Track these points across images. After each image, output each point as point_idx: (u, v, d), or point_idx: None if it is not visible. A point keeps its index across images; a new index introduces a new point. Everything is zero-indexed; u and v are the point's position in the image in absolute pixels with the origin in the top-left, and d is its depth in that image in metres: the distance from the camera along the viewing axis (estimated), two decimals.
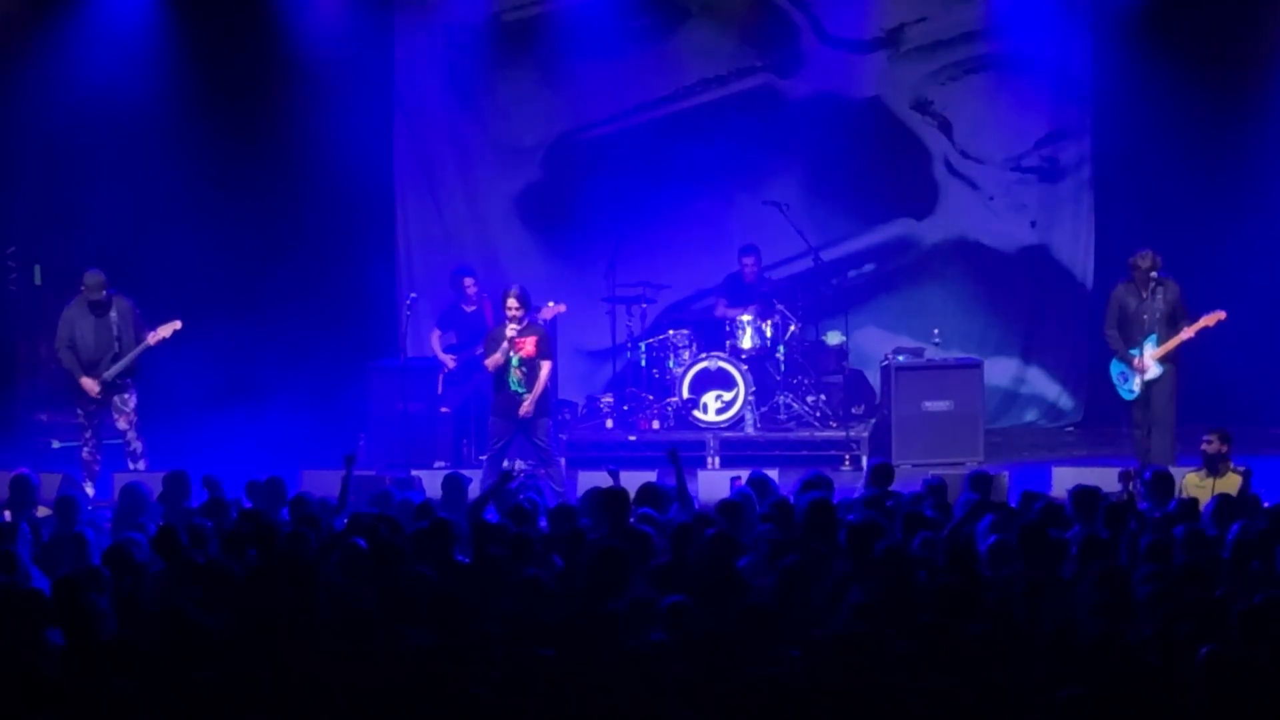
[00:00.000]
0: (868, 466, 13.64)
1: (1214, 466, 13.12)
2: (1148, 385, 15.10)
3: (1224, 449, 13.17)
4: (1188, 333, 15.06)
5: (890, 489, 12.12)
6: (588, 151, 19.21)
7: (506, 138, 19.32)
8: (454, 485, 12.64)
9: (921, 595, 9.04)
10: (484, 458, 15.32)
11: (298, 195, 18.53)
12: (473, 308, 17.13)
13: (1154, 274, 15.05)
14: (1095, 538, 10.20)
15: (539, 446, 14.98)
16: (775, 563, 9.64)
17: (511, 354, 14.77)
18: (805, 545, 10.01)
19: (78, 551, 10.73)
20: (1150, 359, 15.05)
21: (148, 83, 17.96)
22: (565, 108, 19.23)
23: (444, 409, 17.03)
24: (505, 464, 15.42)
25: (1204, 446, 13.24)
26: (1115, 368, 15.33)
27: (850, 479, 15.70)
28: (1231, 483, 12.76)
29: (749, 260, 17.87)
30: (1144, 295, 15.10)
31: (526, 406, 14.77)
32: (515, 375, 14.79)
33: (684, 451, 12.56)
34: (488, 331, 15.51)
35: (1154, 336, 15.05)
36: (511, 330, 14.73)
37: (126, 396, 15.64)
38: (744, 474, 13.03)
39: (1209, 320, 15.08)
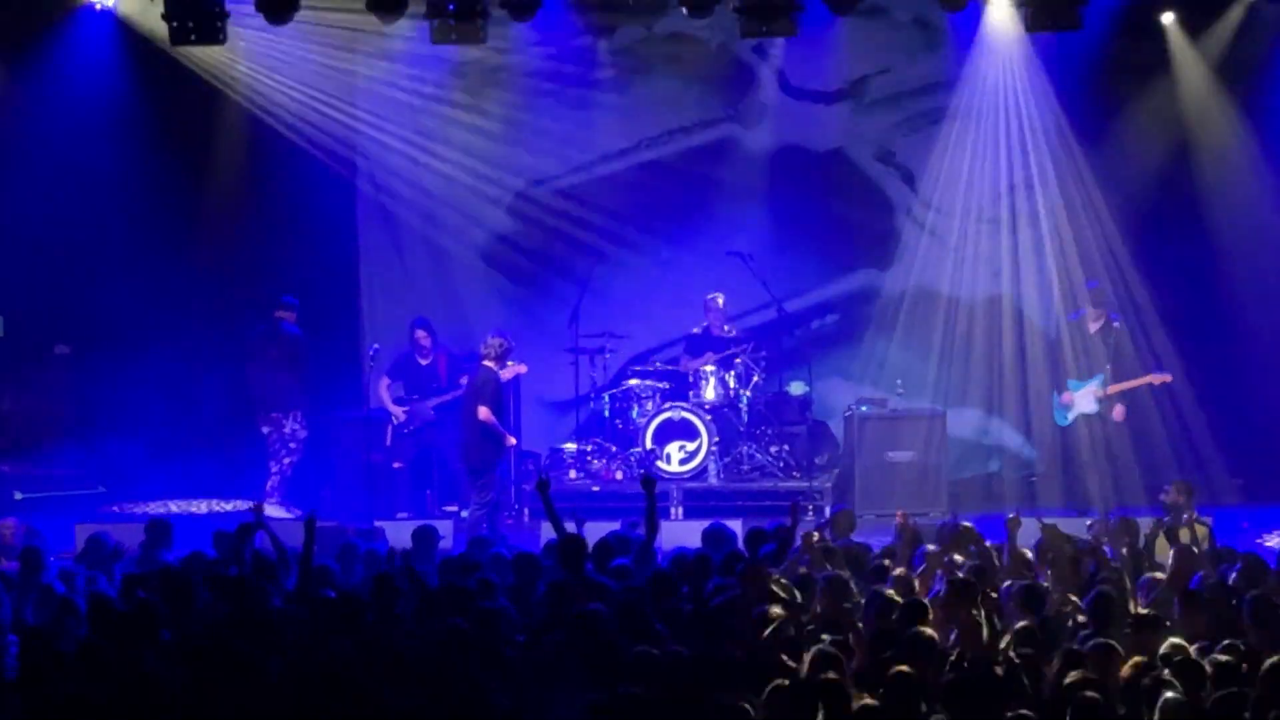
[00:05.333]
0: (830, 514, 13.72)
1: (1175, 517, 13.17)
2: (1084, 420, 15.45)
3: (1180, 499, 13.24)
4: (1133, 383, 15.36)
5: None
6: (552, 202, 19.22)
7: (470, 188, 19.30)
8: (424, 538, 12.57)
9: (893, 646, 9.03)
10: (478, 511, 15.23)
11: (260, 244, 18.46)
12: (427, 360, 17.05)
13: (1101, 310, 15.45)
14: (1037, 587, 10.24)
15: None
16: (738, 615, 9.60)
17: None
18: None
19: (43, 601, 10.67)
20: (1087, 396, 15.34)
21: (110, 137, 17.87)
22: (529, 158, 19.22)
23: (397, 464, 16.96)
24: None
25: (1162, 497, 13.35)
26: (1055, 397, 15.71)
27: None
28: (1193, 533, 12.80)
29: (714, 299, 17.86)
30: (1093, 332, 15.43)
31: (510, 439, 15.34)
32: None
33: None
34: (472, 379, 15.50)
35: (1100, 376, 15.33)
36: (499, 367, 15.17)
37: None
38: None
39: (1155, 379, 15.42)
